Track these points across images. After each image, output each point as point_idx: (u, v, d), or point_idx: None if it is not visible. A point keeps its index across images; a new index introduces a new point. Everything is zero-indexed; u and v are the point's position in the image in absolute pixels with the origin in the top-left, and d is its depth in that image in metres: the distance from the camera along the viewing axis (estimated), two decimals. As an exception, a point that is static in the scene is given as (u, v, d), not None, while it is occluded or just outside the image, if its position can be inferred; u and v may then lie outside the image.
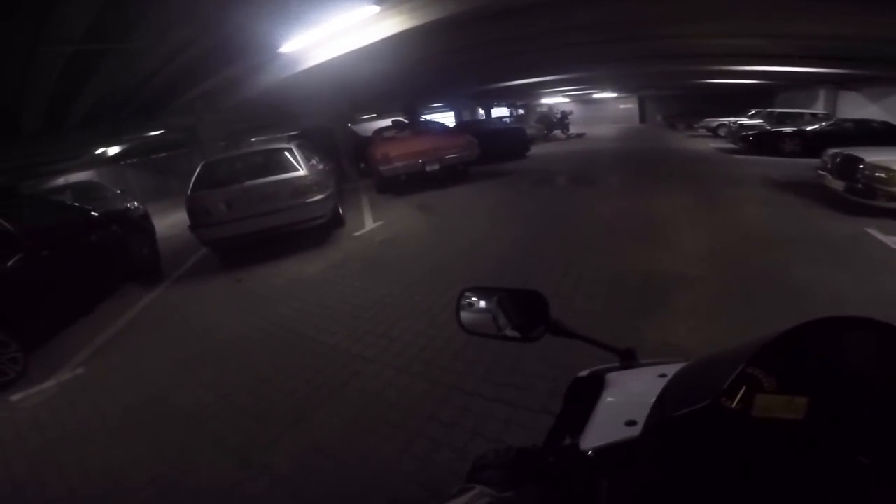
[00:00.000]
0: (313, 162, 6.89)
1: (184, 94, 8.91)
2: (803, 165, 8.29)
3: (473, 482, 0.72)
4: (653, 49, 10.34)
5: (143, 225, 7.40)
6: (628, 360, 0.85)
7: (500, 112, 24.90)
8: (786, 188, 7.09)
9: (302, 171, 6.23)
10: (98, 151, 14.57)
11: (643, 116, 29.05)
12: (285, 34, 5.80)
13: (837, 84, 14.78)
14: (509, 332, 0.97)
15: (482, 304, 1.03)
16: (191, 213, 5.97)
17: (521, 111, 27.16)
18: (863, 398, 0.44)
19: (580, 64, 12.74)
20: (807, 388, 0.45)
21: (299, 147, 6.76)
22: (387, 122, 12.18)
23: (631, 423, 0.60)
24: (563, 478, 0.61)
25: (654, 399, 0.59)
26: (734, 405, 0.46)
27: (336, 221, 7.06)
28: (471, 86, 16.12)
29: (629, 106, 29.38)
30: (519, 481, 0.69)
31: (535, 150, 16.19)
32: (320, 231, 6.58)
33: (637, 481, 0.53)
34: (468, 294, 1.04)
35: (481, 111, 23.94)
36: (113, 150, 15.47)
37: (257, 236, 6.14)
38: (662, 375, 0.68)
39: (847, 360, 0.49)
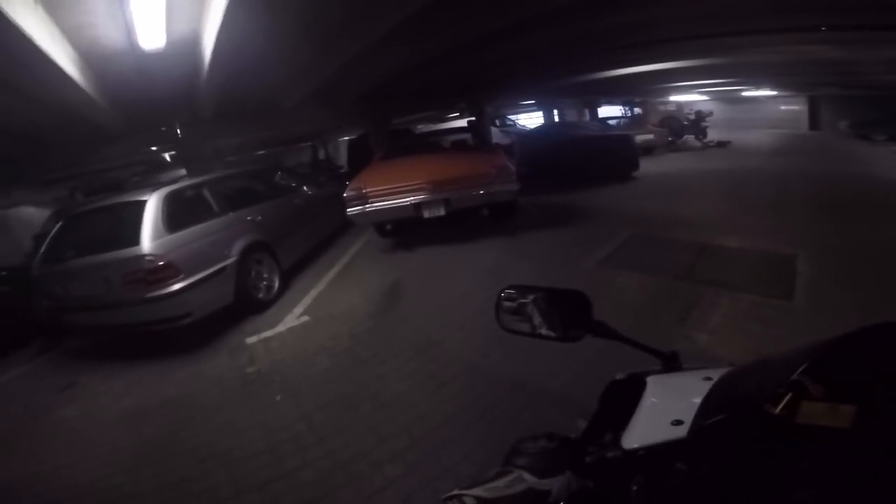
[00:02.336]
0: (197, 227, 4.32)
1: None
2: None
3: (511, 465, 0.74)
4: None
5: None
6: (671, 363, 0.85)
7: (610, 111, 20.04)
8: None
9: (144, 247, 3.83)
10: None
11: (815, 122, 21.60)
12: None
13: None
14: (548, 332, 0.97)
15: (523, 302, 1.01)
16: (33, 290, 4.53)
17: (637, 111, 21.74)
18: None
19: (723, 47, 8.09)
20: (856, 397, 0.44)
21: (192, 196, 4.65)
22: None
23: (678, 422, 0.59)
24: (602, 472, 0.62)
25: (700, 400, 0.59)
26: (778, 411, 0.47)
27: (251, 304, 4.62)
28: (568, 76, 11.95)
29: (794, 108, 22.04)
30: (558, 470, 0.69)
31: (651, 165, 11.52)
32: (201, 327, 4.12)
33: (682, 481, 0.52)
34: (508, 292, 1.04)
35: (574, 111, 19.41)
36: None
37: (99, 333, 4.56)
38: (708, 379, 0.67)
39: None
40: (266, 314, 4.53)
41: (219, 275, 4.22)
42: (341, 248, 6.83)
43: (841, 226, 5.22)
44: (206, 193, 4.80)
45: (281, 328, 4.17)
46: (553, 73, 10.84)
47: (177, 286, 3.85)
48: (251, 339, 4.01)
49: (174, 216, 4.11)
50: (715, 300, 3.61)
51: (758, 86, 17.96)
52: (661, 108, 21.16)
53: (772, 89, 19.13)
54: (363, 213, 5.70)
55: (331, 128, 14.45)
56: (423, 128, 20.53)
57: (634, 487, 0.57)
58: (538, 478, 0.68)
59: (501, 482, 0.68)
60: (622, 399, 0.75)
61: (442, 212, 5.57)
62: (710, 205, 6.92)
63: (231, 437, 2.76)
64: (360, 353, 3.46)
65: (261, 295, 4.71)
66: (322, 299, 4.78)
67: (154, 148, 8.84)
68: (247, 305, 4.51)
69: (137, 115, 6.71)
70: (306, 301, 4.75)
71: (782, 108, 22.61)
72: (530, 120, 20.44)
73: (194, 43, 4.48)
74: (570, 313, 0.96)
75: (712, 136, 16.74)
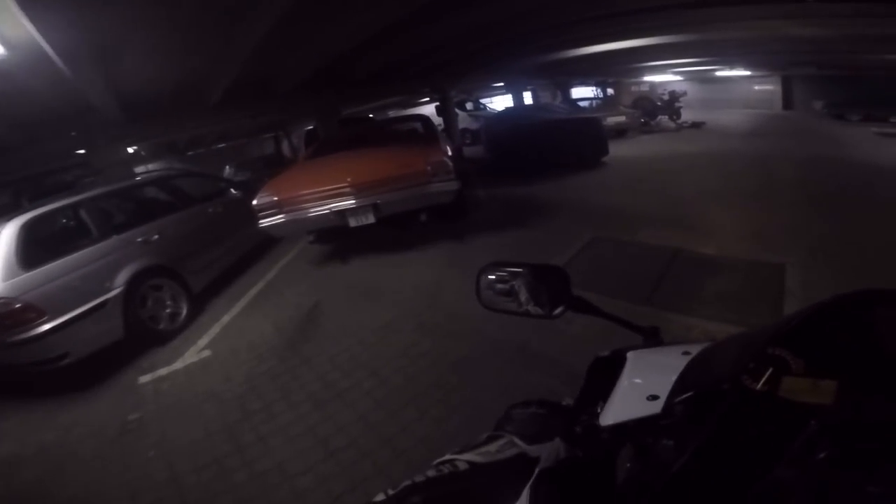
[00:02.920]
0: (67, 259, 3.66)
1: None
2: None
3: (503, 431, 0.76)
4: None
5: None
6: (652, 339, 0.85)
7: (583, 93, 19.21)
8: None
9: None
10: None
11: (789, 101, 21.27)
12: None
13: None
14: (531, 309, 0.96)
15: (503, 280, 0.99)
16: None
17: (610, 92, 20.96)
18: None
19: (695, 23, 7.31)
20: (836, 370, 0.45)
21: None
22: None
23: (653, 397, 0.58)
24: (591, 441, 0.61)
25: (676, 376, 0.58)
26: (759, 386, 0.46)
27: (150, 337, 4.02)
28: (533, 54, 11.03)
29: (768, 87, 21.63)
30: (548, 437, 0.69)
31: (623, 148, 10.81)
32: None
33: (657, 456, 0.51)
34: (488, 270, 1.02)
35: (547, 93, 18.50)
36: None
37: None
38: (686, 353, 0.66)
39: (882, 339, 0.48)
40: (169, 346, 3.94)
41: (99, 310, 3.62)
42: (273, 259, 6.00)
43: (835, 223, 4.55)
44: (84, 215, 4.03)
45: (178, 365, 3.60)
46: (516, 52, 9.91)
47: (43, 328, 3.33)
48: (144, 378, 3.49)
49: (35, 249, 3.54)
50: (682, 333, 2.89)
51: (731, 66, 17.40)
52: (634, 88, 20.50)
53: (745, 69, 18.63)
54: (278, 225, 4.77)
55: (277, 120, 13.36)
56: (394, 114, 19.53)
57: (624, 459, 0.55)
58: (528, 443, 0.71)
59: (493, 447, 0.70)
60: (607, 376, 0.73)
61: (371, 219, 4.67)
62: (686, 196, 6.21)
63: (96, 496, 2.49)
64: (250, 403, 2.90)
65: (162, 325, 4.08)
66: (232, 328, 4.13)
67: (82, 151, 7.93)
68: (144, 338, 3.94)
69: (30, 124, 6.02)
70: (215, 330, 4.11)
71: (756, 88, 22.22)
72: (503, 103, 19.48)
73: (37, 45, 3.72)
74: (548, 289, 0.93)
75: (687, 116, 16.17)
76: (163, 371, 3.53)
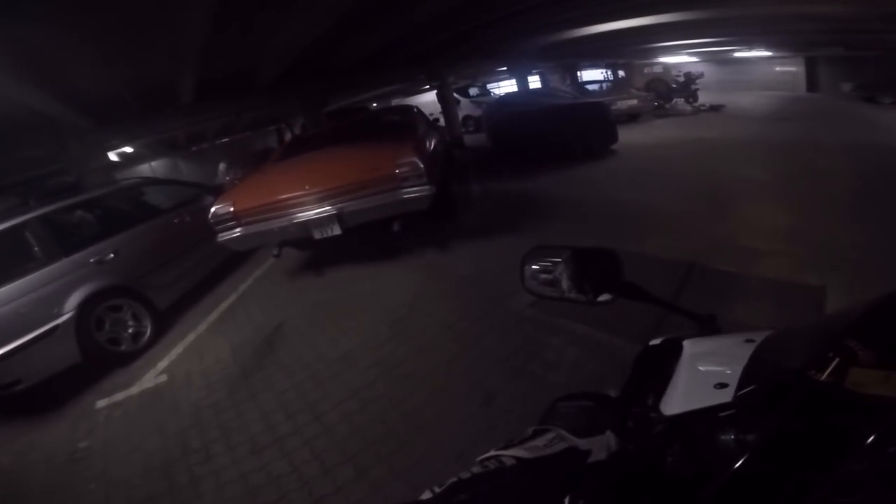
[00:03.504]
0: (10, 287, 3.53)
1: None
2: None
3: (549, 425, 0.72)
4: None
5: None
6: (708, 326, 0.81)
7: (592, 76, 18.25)
8: None
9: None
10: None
11: (813, 83, 20.02)
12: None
13: None
14: (576, 296, 0.91)
15: (546, 269, 0.95)
16: None
17: (621, 74, 19.88)
18: None
19: None
20: None
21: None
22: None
23: (721, 385, 0.54)
24: (644, 434, 0.60)
25: (744, 364, 0.55)
26: (824, 377, 0.45)
27: (110, 358, 3.91)
28: (536, 34, 10.21)
29: (791, 69, 20.38)
30: (598, 430, 0.67)
31: (635, 134, 10.04)
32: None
33: (723, 447, 0.50)
34: (532, 257, 0.98)
35: (555, 76, 17.51)
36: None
37: None
38: (750, 341, 0.61)
39: None
40: (132, 366, 3.83)
41: (50, 336, 3.54)
42: (251, 266, 5.62)
43: (886, 228, 3.69)
44: (30, 236, 3.83)
45: (134, 390, 3.48)
46: (516, 33, 9.12)
47: None
48: (101, 403, 3.41)
49: None
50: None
51: (751, 46, 16.30)
52: (647, 70, 19.43)
53: (766, 50, 17.48)
54: (237, 239, 4.28)
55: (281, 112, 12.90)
56: (397, 102, 18.84)
57: (679, 451, 0.53)
58: (577, 437, 0.67)
59: (540, 441, 0.66)
60: (658, 365, 0.70)
61: (337, 230, 4.13)
62: (702, 192, 5.45)
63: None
64: (190, 441, 2.73)
65: (124, 346, 3.97)
66: (194, 349, 3.92)
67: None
68: (104, 361, 3.85)
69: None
70: (178, 350, 3.94)
71: (777, 69, 21.00)
72: (508, 88, 18.63)
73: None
74: (598, 274, 0.88)
75: (704, 99, 15.19)
76: (119, 396, 3.44)
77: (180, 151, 16.54)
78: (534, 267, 0.97)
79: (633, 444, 0.60)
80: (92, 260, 3.93)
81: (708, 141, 8.86)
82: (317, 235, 4.17)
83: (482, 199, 6.64)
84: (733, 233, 4.08)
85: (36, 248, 3.79)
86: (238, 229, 4.24)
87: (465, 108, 15.25)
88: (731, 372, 0.54)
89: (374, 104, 16.81)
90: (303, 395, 2.86)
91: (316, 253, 5.38)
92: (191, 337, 4.12)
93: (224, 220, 4.23)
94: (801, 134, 8.79)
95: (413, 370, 2.89)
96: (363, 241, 4.80)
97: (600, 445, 0.62)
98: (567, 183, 6.66)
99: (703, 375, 0.59)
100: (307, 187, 4.10)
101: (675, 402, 0.57)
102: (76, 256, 3.87)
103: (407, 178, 3.94)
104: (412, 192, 3.96)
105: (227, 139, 17.70)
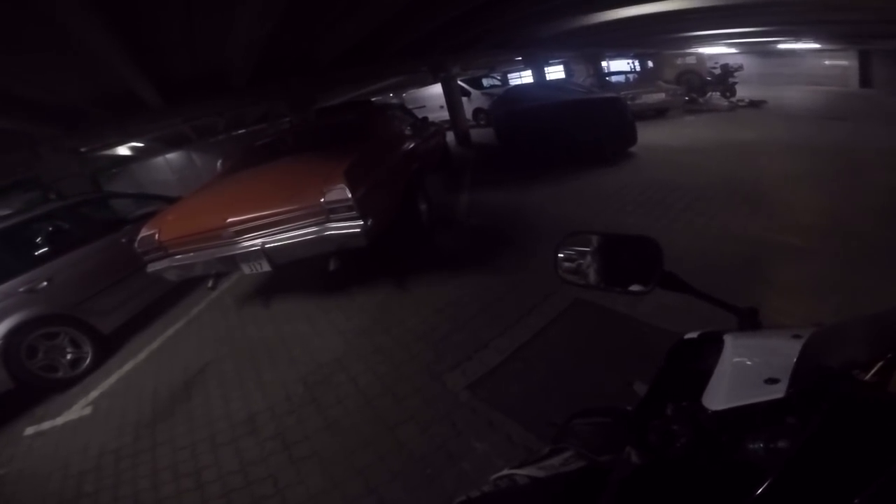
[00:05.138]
0: None
1: None
2: None
3: (565, 443, 0.70)
4: None
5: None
6: (750, 321, 0.79)
7: (618, 67, 16.85)
8: None
9: None
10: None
11: (867, 78, 18.10)
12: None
13: None
14: (602, 285, 0.91)
15: (585, 250, 0.94)
16: None
17: (650, 64, 18.29)
18: None
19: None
20: None
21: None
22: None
23: (772, 381, 0.52)
24: (668, 443, 0.57)
25: (794, 360, 0.52)
26: (868, 377, 0.46)
27: (46, 385, 3.78)
28: (550, 23, 9.06)
29: (841, 63, 18.48)
30: (617, 446, 0.64)
31: (660, 132, 8.92)
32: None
33: (790, 441, 0.48)
34: (571, 238, 0.97)
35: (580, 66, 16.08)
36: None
37: None
38: (797, 336, 0.58)
39: None
40: (69, 393, 3.72)
41: None
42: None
43: None
44: None
45: (59, 421, 3.38)
46: (526, 18, 8.01)
47: None
48: (29, 431, 3.36)
49: None
50: None
51: (798, 37, 14.63)
52: (679, 61, 17.86)
53: (815, 42, 15.74)
54: (165, 270, 3.73)
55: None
56: (407, 96, 17.88)
57: (749, 447, 0.50)
58: (595, 455, 0.66)
59: (556, 460, 0.65)
60: (693, 360, 0.69)
61: (266, 267, 3.46)
62: (732, 222, 4.23)
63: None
64: (86, 485, 2.64)
65: (60, 373, 3.85)
66: (126, 381, 3.73)
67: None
68: (40, 387, 3.77)
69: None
70: (112, 380, 3.77)
71: (826, 62, 19.14)
72: (529, 79, 17.42)
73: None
74: (633, 263, 0.86)
75: (743, 93, 13.72)
76: (45, 425, 3.36)
77: (194, 144, 16.10)
78: (564, 253, 0.95)
79: (660, 455, 0.57)
80: (21, 289, 3.75)
81: (747, 144, 7.57)
82: (246, 271, 3.56)
83: (466, 214, 5.75)
84: (778, 289, 3.01)
85: None
86: (165, 260, 3.70)
87: (475, 100, 14.23)
88: (782, 367, 0.52)
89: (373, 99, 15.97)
90: (195, 457, 2.62)
91: (272, 278, 4.80)
92: (128, 366, 3.91)
93: (150, 250, 3.71)
94: (858, 139, 7.36)
95: (312, 453, 2.42)
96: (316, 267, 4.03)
97: (621, 462, 0.60)
98: (569, 198, 5.70)
99: (751, 370, 0.58)
100: (226, 218, 3.45)
101: (722, 396, 0.56)
102: (3, 287, 3.68)
103: (335, 210, 3.16)
104: (341, 228, 3.15)
105: (242, 131, 17.13)
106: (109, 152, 11.81)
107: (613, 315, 2.95)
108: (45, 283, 3.85)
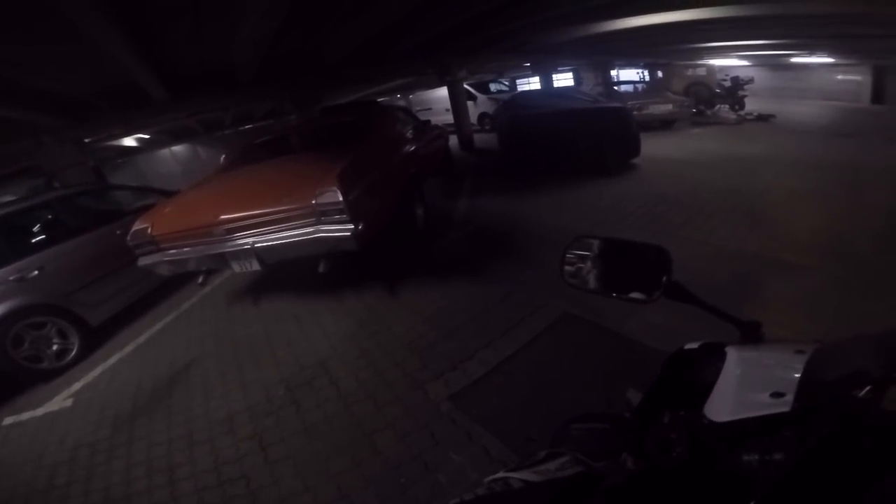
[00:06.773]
0: None
1: None
2: None
3: (562, 448, 0.70)
4: None
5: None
6: (752, 334, 0.79)
7: (626, 76, 16.78)
8: None
9: None
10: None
11: (879, 95, 17.93)
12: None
13: None
14: (601, 291, 0.91)
15: (592, 255, 0.94)
16: None
17: (659, 74, 18.22)
18: None
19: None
20: None
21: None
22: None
23: (777, 395, 0.52)
24: (665, 451, 0.58)
25: (799, 374, 0.53)
26: (862, 394, 0.47)
27: (30, 376, 3.74)
28: (559, 29, 9.02)
29: (854, 78, 18.32)
30: (613, 452, 0.65)
31: (664, 145, 8.87)
32: None
33: (790, 456, 0.47)
34: (576, 243, 0.97)
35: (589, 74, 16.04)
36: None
37: None
38: (800, 352, 0.59)
39: None
40: (52, 383, 3.70)
41: None
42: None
43: None
44: None
45: (39, 412, 3.36)
46: (535, 22, 7.98)
47: None
48: (8, 420, 3.33)
49: None
50: None
51: (812, 51, 14.48)
52: (689, 72, 17.76)
53: (829, 56, 15.56)
54: (156, 265, 3.74)
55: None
56: (414, 98, 17.85)
57: (745, 458, 0.50)
58: (592, 461, 0.65)
59: (552, 464, 0.64)
60: (691, 371, 0.69)
61: (256, 266, 3.46)
62: (731, 244, 4.07)
63: None
64: (58, 477, 2.62)
65: (45, 364, 3.82)
66: (110, 373, 3.71)
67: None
68: (23, 377, 3.75)
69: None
70: (96, 372, 3.76)
71: (839, 77, 18.94)
72: (532, 85, 17.36)
73: None
74: (637, 270, 0.85)
75: (752, 107, 13.60)
76: (25, 416, 3.34)
77: (200, 138, 16.12)
78: (577, 254, 0.95)
79: (656, 462, 0.57)
80: (11, 278, 3.72)
81: (752, 159, 7.49)
82: (237, 269, 3.57)
83: (462, 221, 5.72)
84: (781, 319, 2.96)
85: None
86: (156, 255, 3.69)
87: (482, 104, 14.20)
88: (787, 382, 0.53)
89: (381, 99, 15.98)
90: (170, 455, 2.61)
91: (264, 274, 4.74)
92: (113, 359, 3.88)
93: (142, 243, 3.71)
94: (872, 157, 7.22)
95: (287, 455, 2.39)
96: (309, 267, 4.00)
97: (617, 468, 0.61)
98: (568, 209, 5.65)
99: (757, 383, 0.57)
100: (219, 216, 3.45)
101: (727, 407, 0.56)
102: None
103: (326, 213, 3.12)
104: (332, 231, 3.12)
105: (250, 126, 17.14)
106: (114, 143, 11.88)
107: (600, 330, 2.91)
108: (35, 272, 3.82)
